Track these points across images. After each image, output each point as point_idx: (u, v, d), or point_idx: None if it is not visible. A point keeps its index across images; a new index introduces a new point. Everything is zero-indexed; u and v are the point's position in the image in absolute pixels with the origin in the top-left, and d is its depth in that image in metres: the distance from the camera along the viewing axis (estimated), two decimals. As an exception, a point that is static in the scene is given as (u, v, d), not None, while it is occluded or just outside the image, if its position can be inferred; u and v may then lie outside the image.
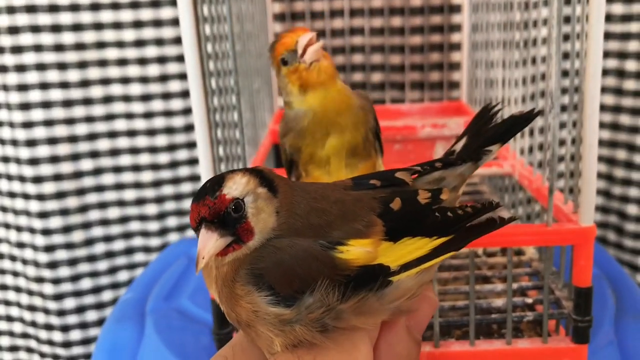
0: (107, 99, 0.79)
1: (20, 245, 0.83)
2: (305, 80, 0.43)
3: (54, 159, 0.79)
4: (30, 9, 0.74)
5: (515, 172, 0.54)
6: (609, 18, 0.78)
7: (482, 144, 0.34)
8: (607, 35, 0.79)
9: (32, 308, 0.86)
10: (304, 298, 0.27)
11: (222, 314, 0.43)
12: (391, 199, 0.30)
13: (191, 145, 0.82)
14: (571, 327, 0.43)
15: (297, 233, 0.28)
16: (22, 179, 0.79)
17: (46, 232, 0.81)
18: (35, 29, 0.75)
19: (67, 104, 0.78)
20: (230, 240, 0.28)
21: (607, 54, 0.79)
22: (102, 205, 0.83)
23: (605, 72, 0.80)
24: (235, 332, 0.44)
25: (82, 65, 0.77)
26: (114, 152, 0.81)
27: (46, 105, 0.77)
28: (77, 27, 0.76)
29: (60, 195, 0.80)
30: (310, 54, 0.42)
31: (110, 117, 0.80)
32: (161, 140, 0.81)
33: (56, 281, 0.83)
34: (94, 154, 0.81)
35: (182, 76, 0.79)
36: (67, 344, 0.85)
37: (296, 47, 0.42)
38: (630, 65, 0.78)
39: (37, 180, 0.79)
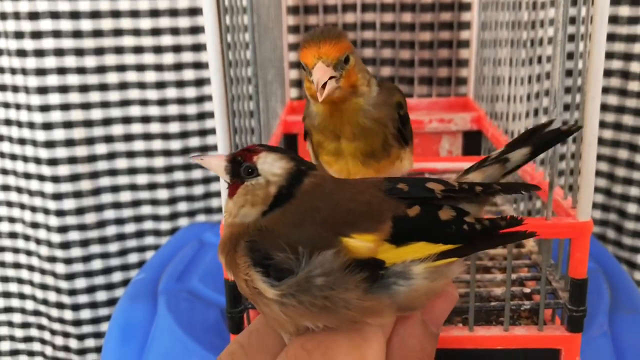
0: (123, 85, 0.81)
1: (35, 225, 0.85)
2: (314, 96, 0.42)
3: (69, 143, 0.81)
4: (51, -4, 0.76)
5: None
6: (615, 20, 0.79)
7: (511, 150, 0.34)
8: (614, 37, 0.80)
9: (44, 287, 0.88)
10: (302, 265, 0.27)
11: (235, 293, 0.45)
12: (411, 205, 0.29)
13: (203, 132, 0.84)
14: (566, 317, 0.45)
15: (305, 221, 0.29)
16: (37, 160, 0.81)
17: (60, 213, 0.83)
18: (55, 15, 0.77)
19: (84, 89, 0.80)
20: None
21: (612, 55, 0.81)
22: (115, 189, 0.85)
23: (610, 73, 0.81)
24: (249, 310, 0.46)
25: (99, 51, 0.79)
26: (128, 138, 0.83)
27: (63, 89, 0.79)
28: (95, 15, 0.78)
29: (74, 177, 0.82)
30: (319, 94, 0.40)
31: (125, 103, 0.82)
32: (174, 127, 0.83)
33: (68, 261, 0.85)
34: (109, 139, 0.83)
35: (196, 65, 0.81)
36: (77, 323, 0.88)
37: (312, 70, 0.41)
38: (635, 66, 0.79)
39: (53, 162, 0.81)
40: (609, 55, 0.81)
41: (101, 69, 0.80)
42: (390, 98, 0.46)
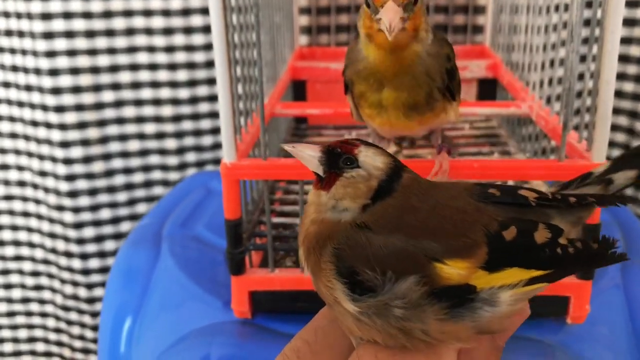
0: (130, 31, 0.80)
1: (42, 173, 0.85)
2: (372, 36, 0.40)
3: (76, 89, 0.80)
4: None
5: (533, 112, 0.54)
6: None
7: (616, 169, 0.31)
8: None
9: (52, 235, 0.88)
10: (385, 287, 0.26)
11: (237, 234, 0.44)
12: (507, 226, 0.28)
13: (211, 81, 0.83)
14: (577, 264, 0.43)
15: (398, 228, 0.28)
16: (44, 108, 0.80)
17: (67, 161, 0.83)
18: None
19: (90, 34, 0.79)
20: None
21: (633, 4, 0.78)
22: (123, 138, 0.84)
23: (633, 22, 0.78)
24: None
25: (105, -4, 0.78)
26: (135, 85, 0.82)
27: (69, 35, 0.78)
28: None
29: (81, 125, 0.81)
30: (385, 27, 0.37)
31: (132, 50, 0.80)
32: (182, 75, 0.81)
33: (76, 210, 0.85)
34: (116, 86, 0.82)
35: (205, 11, 0.79)
36: (85, 272, 0.88)
37: (380, 9, 0.38)
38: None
39: (60, 109, 0.80)
40: (630, 4, 0.77)
41: (107, 14, 0.78)
42: (441, 48, 0.43)
